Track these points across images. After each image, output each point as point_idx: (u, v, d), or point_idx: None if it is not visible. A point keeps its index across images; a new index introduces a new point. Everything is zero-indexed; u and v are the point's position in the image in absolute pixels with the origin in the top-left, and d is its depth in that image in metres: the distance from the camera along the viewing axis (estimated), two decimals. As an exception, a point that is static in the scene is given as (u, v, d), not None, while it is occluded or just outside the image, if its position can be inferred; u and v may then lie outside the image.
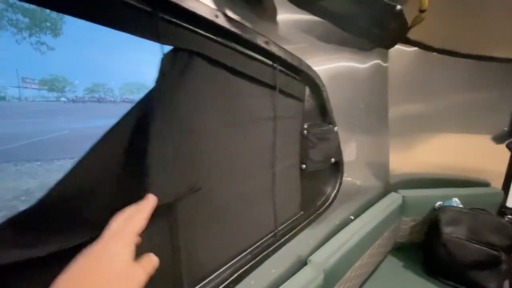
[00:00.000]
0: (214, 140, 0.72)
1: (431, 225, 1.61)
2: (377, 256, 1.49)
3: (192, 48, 0.61)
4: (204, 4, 0.58)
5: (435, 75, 1.66)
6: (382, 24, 1.06)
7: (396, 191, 1.72)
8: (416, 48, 1.56)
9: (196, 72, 0.63)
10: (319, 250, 1.09)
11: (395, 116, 1.62)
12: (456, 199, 1.71)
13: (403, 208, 1.67)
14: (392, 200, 1.61)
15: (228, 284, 0.74)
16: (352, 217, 1.34)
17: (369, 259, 1.36)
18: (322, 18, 0.94)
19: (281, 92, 0.86)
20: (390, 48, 1.43)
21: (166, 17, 0.55)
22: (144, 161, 0.53)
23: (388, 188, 1.73)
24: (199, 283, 0.71)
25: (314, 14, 0.92)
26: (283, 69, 0.84)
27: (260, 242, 0.89)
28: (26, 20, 8.87)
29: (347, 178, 1.24)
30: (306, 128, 0.99)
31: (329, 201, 1.14)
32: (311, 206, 1.11)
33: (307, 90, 0.98)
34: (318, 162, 1.04)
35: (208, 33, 0.63)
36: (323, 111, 1.05)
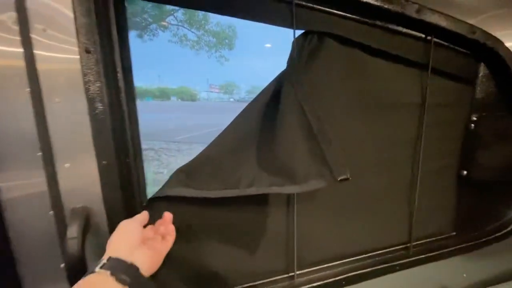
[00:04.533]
0: (344, 126, 0.68)
1: None
2: None
3: (323, 29, 0.60)
4: None
5: None
6: None
7: None
8: None
9: (326, 53, 0.62)
10: None
11: None
12: None
13: None
14: None
15: (340, 280, 0.69)
16: None
17: None
18: None
19: (436, 71, 0.68)
20: None
21: (300, 2, 0.57)
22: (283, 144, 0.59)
23: None
24: (310, 268, 0.71)
25: None
26: (441, 42, 0.66)
27: (384, 250, 0.76)
28: (214, 39, 12.14)
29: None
30: (476, 120, 0.73)
31: (508, 229, 0.79)
32: (473, 229, 0.81)
33: (483, 68, 0.71)
34: (492, 170, 0.74)
35: (341, 11, 0.59)
36: None
